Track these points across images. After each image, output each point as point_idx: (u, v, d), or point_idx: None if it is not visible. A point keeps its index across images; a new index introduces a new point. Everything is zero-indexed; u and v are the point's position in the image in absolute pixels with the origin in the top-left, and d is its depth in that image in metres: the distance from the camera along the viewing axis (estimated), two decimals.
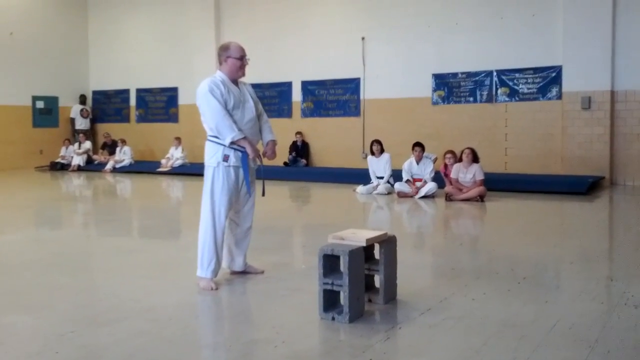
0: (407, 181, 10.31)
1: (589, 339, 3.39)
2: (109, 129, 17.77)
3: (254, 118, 4.72)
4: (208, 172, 4.63)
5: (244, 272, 4.91)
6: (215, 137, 4.62)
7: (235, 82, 4.71)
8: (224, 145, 4.56)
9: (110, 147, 16.87)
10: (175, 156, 15.34)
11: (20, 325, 3.76)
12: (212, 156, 4.62)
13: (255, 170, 4.84)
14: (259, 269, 4.95)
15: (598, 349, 3.26)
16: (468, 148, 9.83)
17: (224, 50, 4.73)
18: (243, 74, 4.74)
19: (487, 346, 3.31)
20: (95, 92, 18.60)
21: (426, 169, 10.28)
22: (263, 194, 4.91)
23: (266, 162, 4.90)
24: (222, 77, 4.65)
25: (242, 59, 4.69)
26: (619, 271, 5.07)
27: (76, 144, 16.88)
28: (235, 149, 4.59)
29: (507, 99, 12.39)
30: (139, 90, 17.65)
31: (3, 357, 3.24)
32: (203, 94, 4.54)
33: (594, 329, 3.56)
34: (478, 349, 3.28)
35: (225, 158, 4.57)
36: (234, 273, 4.92)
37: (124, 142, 16.35)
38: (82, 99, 18.17)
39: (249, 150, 4.57)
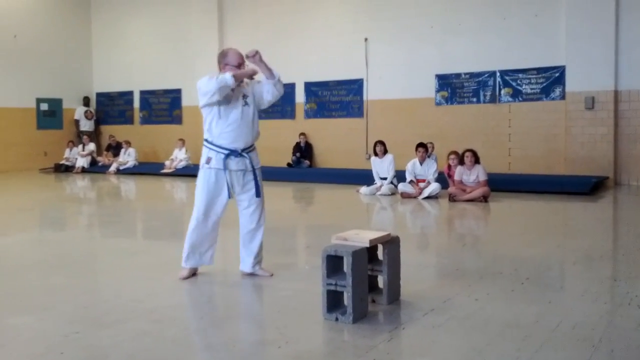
0: (411, 182, 10.30)
1: (592, 339, 3.39)
2: (112, 131, 17.81)
3: (238, 120, 4.69)
4: (198, 174, 4.86)
5: (253, 274, 4.92)
6: (206, 140, 4.78)
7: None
8: (210, 149, 4.72)
9: (115, 148, 16.90)
10: (179, 157, 15.36)
11: (24, 326, 3.77)
12: (202, 158, 4.82)
13: (247, 172, 4.79)
14: (268, 273, 4.93)
15: (601, 349, 3.25)
16: (469, 150, 9.83)
17: (222, 57, 4.81)
18: (242, 81, 4.74)
19: (491, 346, 3.31)
20: (99, 94, 18.64)
21: (430, 170, 10.28)
22: (257, 195, 4.86)
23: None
24: None
25: (239, 66, 4.73)
26: (623, 271, 5.06)
27: (80, 146, 16.92)
28: (217, 152, 4.68)
29: (510, 99, 12.38)
30: (142, 92, 17.68)
31: (7, 358, 3.25)
32: (201, 84, 4.63)
33: (597, 329, 3.55)
34: (481, 349, 3.28)
35: (208, 160, 4.73)
36: (244, 275, 4.93)
37: (128, 143, 16.39)
38: (86, 101, 18.23)
39: (246, 71, 4.64)
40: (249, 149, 4.81)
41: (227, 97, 4.63)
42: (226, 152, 4.68)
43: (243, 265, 4.93)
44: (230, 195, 4.75)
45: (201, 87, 4.61)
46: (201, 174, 4.78)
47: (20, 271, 5.27)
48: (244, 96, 4.76)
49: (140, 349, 3.34)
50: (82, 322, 3.81)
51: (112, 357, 3.24)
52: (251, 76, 4.74)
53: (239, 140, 4.72)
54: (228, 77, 4.49)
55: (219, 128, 4.67)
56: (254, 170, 4.81)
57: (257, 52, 4.65)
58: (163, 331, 3.63)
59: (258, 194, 4.83)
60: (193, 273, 4.93)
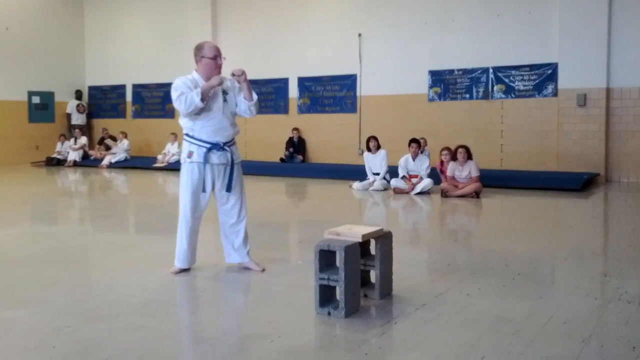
0: (403, 177, 10.33)
1: (582, 334, 3.42)
2: (105, 125, 17.72)
3: (219, 115, 4.74)
4: (181, 168, 4.85)
5: (246, 268, 4.94)
6: (187, 134, 4.80)
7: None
8: (191, 142, 4.73)
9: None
10: (171, 152, 15.33)
11: (17, 320, 3.77)
12: (183, 153, 4.82)
13: (228, 166, 4.81)
14: (259, 267, 4.93)
15: (591, 344, 3.29)
16: (462, 147, 9.86)
17: (198, 50, 4.82)
18: (219, 73, 4.76)
19: (482, 341, 3.34)
20: (91, 88, 18.56)
21: (422, 165, 10.30)
22: (228, 189, 4.84)
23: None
24: (193, 77, 4.75)
25: (215, 58, 4.74)
26: (613, 267, 5.10)
27: (72, 140, 16.85)
28: (199, 146, 4.71)
29: (503, 95, 12.41)
30: (135, 86, 17.62)
31: (0, 352, 3.25)
32: (172, 96, 4.66)
33: (587, 324, 3.58)
34: (473, 344, 3.30)
35: (190, 154, 4.74)
36: (237, 267, 4.97)
37: (124, 134, 16.32)
38: (78, 95, 18.14)
39: (211, 83, 4.60)
40: (230, 142, 4.84)
41: (205, 100, 4.65)
42: (208, 145, 4.71)
43: (230, 258, 4.99)
44: (205, 189, 4.76)
45: (173, 99, 4.64)
46: (184, 169, 4.79)
47: (12, 265, 5.26)
48: (224, 92, 4.79)
49: (133, 343, 3.34)
50: (75, 316, 3.80)
51: (105, 350, 3.25)
52: (219, 85, 4.71)
53: (219, 135, 4.75)
54: (196, 99, 4.53)
55: (200, 123, 4.71)
56: (233, 163, 4.82)
57: (243, 72, 4.71)
58: (156, 325, 3.64)
59: (229, 188, 4.83)
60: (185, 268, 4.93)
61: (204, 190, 4.78)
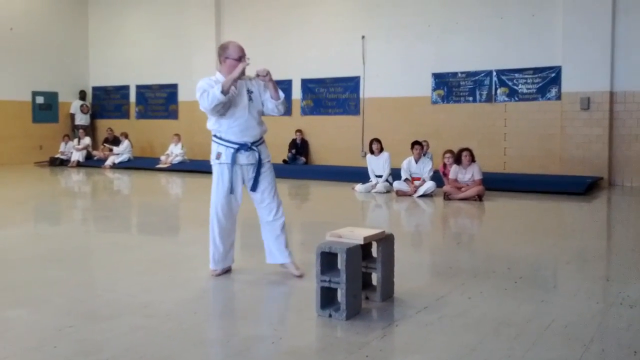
0: (406, 180, 10.33)
1: (583, 338, 3.41)
2: (108, 125, 17.75)
3: (245, 115, 4.70)
4: (212, 170, 4.82)
5: (285, 268, 4.88)
6: (215, 135, 4.77)
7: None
8: (219, 144, 4.71)
9: (112, 142, 16.84)
10: (174, 153, 15.35)
11: (18, 319, 3.78)
12: (212, 154, 4.78)
13: (254, 166, 4.79)
14: (298, 271, 4.80)
15: (592, 348, 3.28)
16: (465, 149, 9.85)
17: (222, 50, 4.78)
18: (243, 74, 4.72)
19: (483, 344, 3.33)
20: (95, 88, 18.60)
21: (425, 168, 10.30)
22: (253, 189, 4.84)
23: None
24: (217, 78, 4.72)
25: (240, 59, 4.70)
26: (616, 271, 5.09)
27: (75, 140, 16.89)
28: (227, 147, 4.68)
29: (506, 98, 12.40)
30: (138, 87, 17.66)
31: (1, 351, 3.26)
32: (197, 96, 4.62)
33: (589, 328, 3.58)
34: (474, 347, 3.30)
35: (218, 156, 4.72)
36: (277, 266, 4.91)
37: (126, 136, 16.34)
38: (82, 95, 18.18)
39: (232, 75, 4.54)
40: (258, 142, 4.81)
41: (230, 99, 4.62)
42: (236, 146, 4.69)
43: (271, 258, 4.89)
44: (232, 191, 4.72)
45: (198, 99, 4.60)
46: (215, 170, 4.77)
47: (15, 264, 5.27)
48: (249, 91, 4.77)
49: (134, 344, 3.35)
50: (76, 316, 3.81)
51: (106, 351, 3.25)
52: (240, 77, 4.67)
53: (246, 135, 4.72)
54: (217, 94, 4.48)
55: (227, 123, 4.68)
56: (261, 162, 4.78)
57: (268, 73, 4.68)
58: (157, 326, 3.64)
59: (254, 187, 4.81)
60: (227, 270, 4.91)
61: (231, 192, 4.73)
